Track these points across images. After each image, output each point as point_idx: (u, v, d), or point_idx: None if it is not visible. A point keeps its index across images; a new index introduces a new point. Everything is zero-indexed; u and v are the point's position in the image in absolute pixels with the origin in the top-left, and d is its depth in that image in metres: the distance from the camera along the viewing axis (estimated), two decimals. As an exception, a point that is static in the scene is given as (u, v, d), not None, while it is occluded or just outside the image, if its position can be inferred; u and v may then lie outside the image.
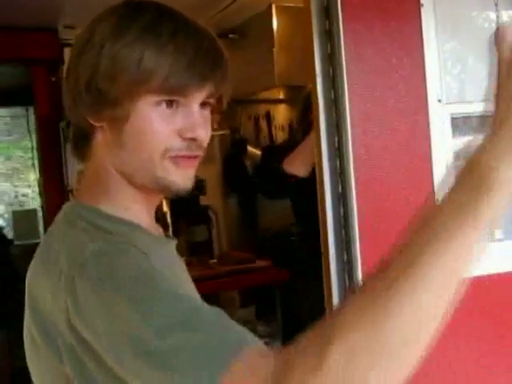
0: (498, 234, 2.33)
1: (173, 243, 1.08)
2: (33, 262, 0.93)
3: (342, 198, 1.96)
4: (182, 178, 0.94)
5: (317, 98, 1.98)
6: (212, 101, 0.97)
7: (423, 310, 0.60)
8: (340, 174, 1.96)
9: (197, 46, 0.91)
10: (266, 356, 0.66)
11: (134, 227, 0.95)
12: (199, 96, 0.93)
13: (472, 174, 0.62)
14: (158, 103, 0.91)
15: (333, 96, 1.95)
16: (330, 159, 1.97)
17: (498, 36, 0.67)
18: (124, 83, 0.89)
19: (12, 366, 1.04)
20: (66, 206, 0.98)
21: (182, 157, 0.93)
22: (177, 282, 0.87)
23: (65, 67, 0.98)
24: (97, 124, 0.94)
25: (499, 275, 2.06)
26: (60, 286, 0.81)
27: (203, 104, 0.96)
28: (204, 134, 0.94)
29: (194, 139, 0.93)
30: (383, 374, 0.58)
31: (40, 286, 0.87)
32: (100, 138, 0.96)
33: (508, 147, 0.61)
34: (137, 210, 0.97)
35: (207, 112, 0.97)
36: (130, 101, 0.90)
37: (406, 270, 0.60)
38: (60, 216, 0.97)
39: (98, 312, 0.76)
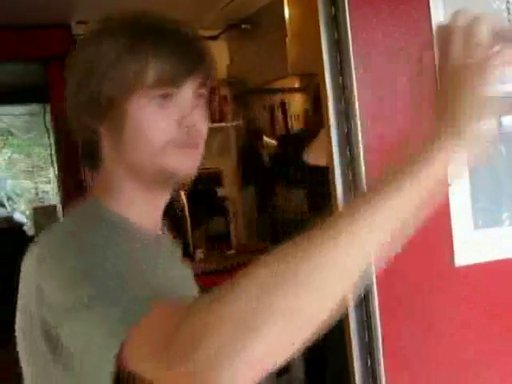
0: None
1: (168, 245, 1.13)
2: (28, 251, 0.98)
3: (352, 185, 1.95)
4: (184, 166, 0.98)
5: (325, 85, 1.96)
6: (204, 91, 1.01)
7: (332, 265, 0.67)
8: (350, 161, 1.95)
9: (181, 44, 0.98)
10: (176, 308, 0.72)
11: (130, 224, 0.99)
12: (190, 85, 0.98)
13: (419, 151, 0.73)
14: (154, 97, 0.95)
15: (341, 82, 1.93)
16: (340, 146, 1.96)
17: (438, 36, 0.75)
18: (120, 83, 0.95)
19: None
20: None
21: (183, 145, 0.97)
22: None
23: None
24: (100, 128, 1.00)
25: None
26: (34, 262, 0.89)
27: (197, 95, 1.00)
28: (200, 119, 0.99)
29: (191, 126, 0.97)
30: (286, 305, 0.65)
31: (26, 265, 0.93)
32: (106, 142, 1.01)
33: (449, 131, 0.73)
34: (137, 211, 1.02)
35: (202, 102, 1.01)
36: (126, 99, 0.95)
37: (326, 231, 0.68)
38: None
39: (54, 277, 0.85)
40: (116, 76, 0.95)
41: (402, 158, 0.73)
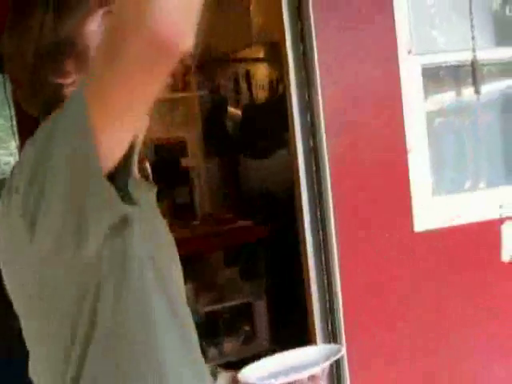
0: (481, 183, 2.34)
1: (153, 190, 1.12)
2: None
3: (313, 153, 1.96)
4: None
5: (286, 53, 1.96)
6: None
7: None
8: (311, 128, 1.95)
9: None
10: None
11: None
12: None
13: None
14: (102, 16, 0.98)
15: (302, 50, 1.93)
16: (301, 114, 1.96)
17: None
18: (71, 16, 0.96)
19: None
20: None
21: None
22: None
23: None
24: (68, 80, 0.98)
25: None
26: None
27: None
28: None
29: None
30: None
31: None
32: (73, 84, 0.99)
33: None
34: None
35: None
36: (83, 27, 0.97)
37: None
38: None
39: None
40: (67, 14, 0.96)
41: None
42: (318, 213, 1.99)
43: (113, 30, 0.78)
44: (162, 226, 1.11)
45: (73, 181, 0.84)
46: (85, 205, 0.84)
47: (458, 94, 2.39)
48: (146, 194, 1.07)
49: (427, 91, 2.08)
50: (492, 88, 2.37)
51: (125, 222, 0.89)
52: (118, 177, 0.85)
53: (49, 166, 0.85)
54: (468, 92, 2.25)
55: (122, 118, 0.82)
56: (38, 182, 0.86)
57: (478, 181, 2.35)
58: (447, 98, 2.37)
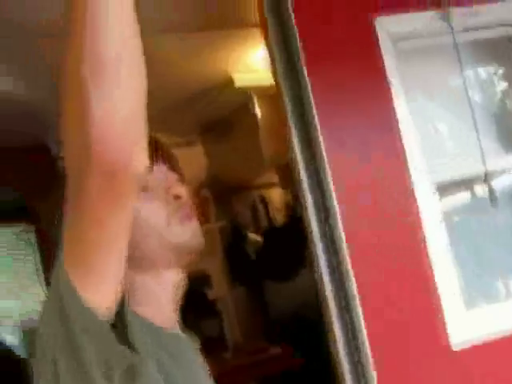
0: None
1: (195, 342, 1.10)
2: None
3: (337, 272, 1.96)
4: (190, 236, 1.01)
5: (299, 177, 2.01)
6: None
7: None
8: (332, 249, 1.97)
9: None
10: None
11: (149, 325, 0.97)
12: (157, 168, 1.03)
13: None
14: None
15: (315, 178, 1.98)
16: (322, 235, 1.99)
17: None
18: None
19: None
20: None
21: (181, 218, 1.00)
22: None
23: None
24: None
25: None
26: None
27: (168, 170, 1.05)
28: (180, 189, 1.03)
29: (177, 196, 1.01)
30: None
31: None
32: None
33: None
34: (151, 306, 1.00)
35: (173, 174, 1.06)
36: None
37: None
38: None
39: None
40: None
41: None
42: (350, 334, 1.96)
43: (67, 180, 0.77)
44: (204, 377, 1.07)
45: (73, 341, 0.81)
46: (89, 362, 0.81)
47: (473, 194, 2.40)
48: (180, 345, 1.03)
49: (441, 193, 2.10)
50: (504, 183, 2.37)
51: (133, 373, 0.85)
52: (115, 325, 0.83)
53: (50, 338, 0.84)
54: (481, 190, 2.26)
55: (106, 256, 0.80)
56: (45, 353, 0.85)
57: (508, 286, 2.30)
58: (461, 197, 2.38)
